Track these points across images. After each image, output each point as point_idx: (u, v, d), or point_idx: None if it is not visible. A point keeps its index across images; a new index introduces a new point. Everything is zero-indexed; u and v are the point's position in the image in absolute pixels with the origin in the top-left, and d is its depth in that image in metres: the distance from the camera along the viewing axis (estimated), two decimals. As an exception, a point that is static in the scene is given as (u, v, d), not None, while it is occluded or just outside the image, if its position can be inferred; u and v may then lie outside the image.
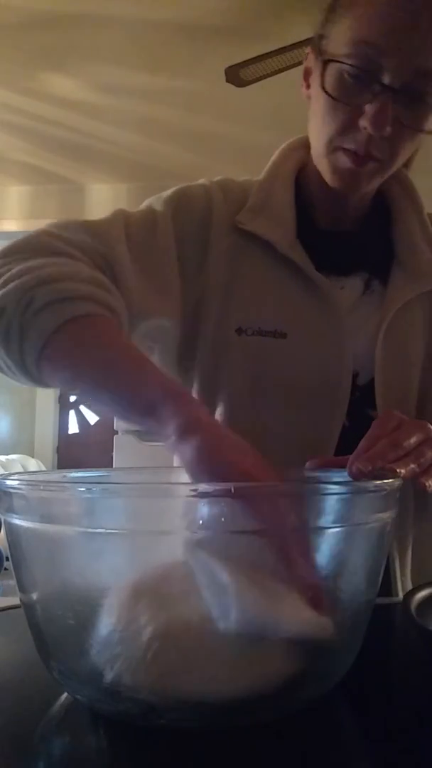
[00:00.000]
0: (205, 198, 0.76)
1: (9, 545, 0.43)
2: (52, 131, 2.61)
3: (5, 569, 3.33)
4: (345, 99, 0.64)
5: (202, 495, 0.37)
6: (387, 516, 0.42)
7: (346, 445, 0.70)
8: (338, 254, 0.76)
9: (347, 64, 0.62)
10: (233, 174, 0.83)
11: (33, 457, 5.35)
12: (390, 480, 0.42)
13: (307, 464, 0.59)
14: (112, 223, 0.69)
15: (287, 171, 0.78)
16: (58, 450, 5.23)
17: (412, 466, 0.51)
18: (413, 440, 0.53)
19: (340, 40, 0.64)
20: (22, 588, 0.42)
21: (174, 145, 2.61)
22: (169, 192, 0.76)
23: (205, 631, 0.37)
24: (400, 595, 0.73)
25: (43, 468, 5.00)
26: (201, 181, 0.79)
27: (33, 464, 5.07)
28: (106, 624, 0.38)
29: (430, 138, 0.68)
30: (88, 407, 5.23)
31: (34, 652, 0.42)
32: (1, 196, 3.08)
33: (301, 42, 1.90)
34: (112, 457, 2.95)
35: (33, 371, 0.55)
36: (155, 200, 0.75)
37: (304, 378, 0.73)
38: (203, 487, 0.38)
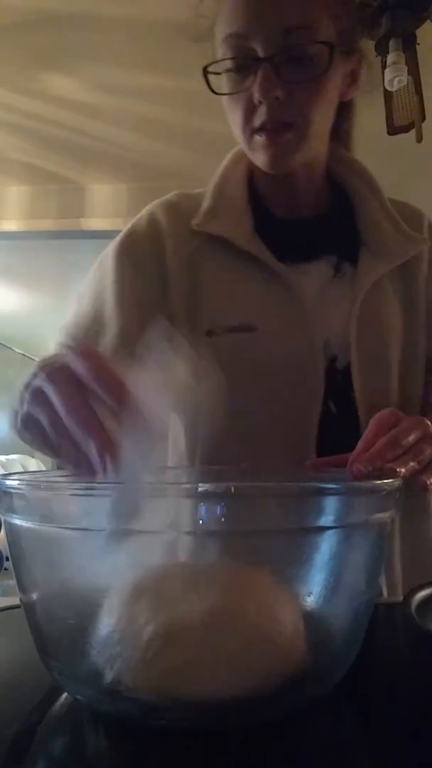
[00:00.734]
0: (149, 226, 0.79)
1: (9, 545, 0.42)
2: (52, 131, 2.61)
3: (5, 569, 3.32)
4: (236, 89, 0.68)
5: (203, 495, 0.37)
6: (387, 516, 0.42)
7: (334, 432, 0.72)
8: (298, 241, 0.78)
9: (226, 59, 0.68)
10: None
11: (33, 457, 5.35)
12: (390, 480, 0.42)
13: (307, 463, 0.59)
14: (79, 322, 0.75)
15: (239, 172, 0.81)
16: (58, 450, 5.21)
17: (412, 464, 0.51)
18: (411, 438, 0.53)
19: (218, 48, 0.70)
20: (22, 588, 0.42)
21: (174, 145, 2.61)
22: (117, 238, 0.80)
23: (205, 631, 0.37)
24: (385, 593, 0.73)
25: (43, 468, 4.99)
26: (147, 207, 0.82)
27: (33, 464, 5.07)
28: (106, 624, 0.38)
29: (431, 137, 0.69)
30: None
31: (34, 652, 0.42)
32: (1, 196, 3.08)
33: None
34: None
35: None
36: (104, 256, 0.79)
37: (277, 368, 0.73)
38: (203, 487, 0.38)
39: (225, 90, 0.70)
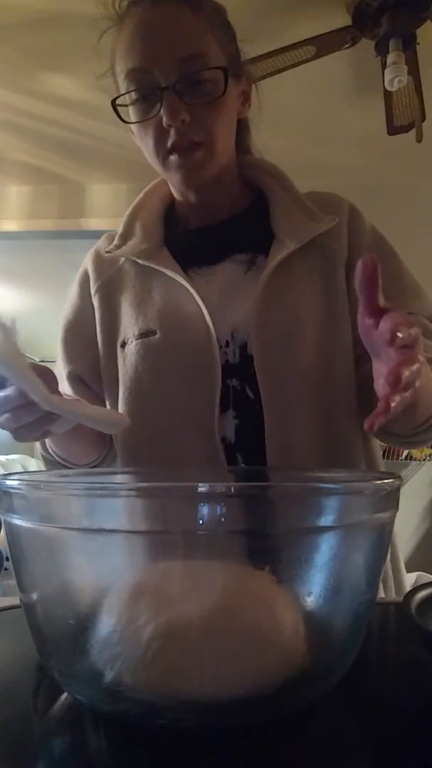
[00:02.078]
0: (84, 268, 0.92)
1: (9, 545, 0.43)
2: (52, 131, 2.61)
3: (5, 569, 3.32)
4: (145, 117, 0.75)
5: (203, 495, 0.37)
6: (387, 516, 0.42)
7: (254, 420, 0.76)
8: (206, 245, 0.84)
9: (129, 92, 0.74)
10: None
11: (33, 457, 5.34)
12: (390, 480, 0.42)
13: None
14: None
15: (154, 200, 0.90)
16: (59, 450, 5.22)
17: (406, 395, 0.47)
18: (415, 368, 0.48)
19: (121, 83, 0.76)
20: (22, 588, 0.42)
21: (174, 145, 2.62)
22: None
23: (205, 631, 0.37)
24: (394, 594, 0.74)
25: (43, 468, 4.99)
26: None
27: (33, 464, 5.06)
28: (106, 624, 0.38)
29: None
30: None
31: (34, 652, 0.42)
32: (1, 196, 3.08)
33: (301, 42, 1.90)
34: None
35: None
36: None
37: (177, 367, 0.79)
38: (203, 487, 0.38)
39: (134, 119, 0.76)
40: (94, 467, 0.88)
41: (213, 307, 0.78)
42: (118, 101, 0.76)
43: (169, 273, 0.81)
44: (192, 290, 0.79)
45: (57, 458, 0.85)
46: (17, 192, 3.09)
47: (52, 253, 3.54)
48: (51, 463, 0.87)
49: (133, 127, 0.78)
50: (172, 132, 0.73)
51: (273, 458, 0.74)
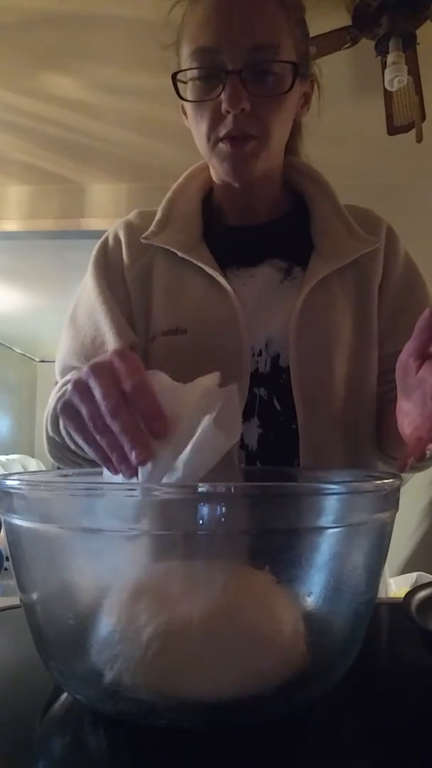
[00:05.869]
0: (115, 243, 0.86)
1: (9, 545, 0.42)
2: (52, 131, 2.61)
3: (5, 569, 3.32)
4: (203, 98, 0.72)
5: (203, 495, 0.37)
6: (387, 516, 0.42)
7: (278, 431, 0.75)
8: (246, 247, 0.82)
9: (192, 68, 0.71)
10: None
11: (33, 457, 5.36)
12: (390, 480, 0.42)
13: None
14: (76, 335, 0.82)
15: (193, 186, 0.86)
16: (58, 450, 5.22)
17: None
18: None
19: (184, 59, 0.73)
20: (22, 588, 0.42)
21: (174, 145, 2.61)
22: (92, 255, 0.87)
23: (205, 631, 0.37)
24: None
25: (43, 468, 4.99)
26: (113, 226, 0.89)
27: (33, 464, 5.08)
28: (106, 624, 0.38)
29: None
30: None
31: (34, 652, 0.42)
32: (1, 196, 3.08)
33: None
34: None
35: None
36: (87, 272, 0.86)
37: (203, 370, 0.75)
38: (203, 487, 0.38)
39: (191, 98, 0.73)
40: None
41: (248, 313, 0.77)
42: (179, 76, 0.73)
43: (208, 270, 0.78)
44: (230, 291, 0.77)
45: (71, 441, 0.73)
46: (17, 192, 3.09)
47: (52, 253, 3.55)
48: (59, 448, 0.76)
49: (187, 107, 0.75)
50: (229, 119, 0.71)
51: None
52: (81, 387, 0.47)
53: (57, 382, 0.79)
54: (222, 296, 0.77)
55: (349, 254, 0.79)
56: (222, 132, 0.72)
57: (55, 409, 0.72)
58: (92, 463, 0.75)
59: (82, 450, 0.72)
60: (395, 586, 2.16)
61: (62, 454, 0.77)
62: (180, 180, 0.87)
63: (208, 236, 0.82)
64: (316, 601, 0.40)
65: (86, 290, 0.84)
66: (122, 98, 2.39)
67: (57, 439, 0.75)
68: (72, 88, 2.33)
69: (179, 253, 0.79)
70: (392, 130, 2.21)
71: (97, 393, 0.45)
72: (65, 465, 0.78)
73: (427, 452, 0.51)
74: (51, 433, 0.76)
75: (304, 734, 0.38)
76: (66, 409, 0.48)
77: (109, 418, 0.44)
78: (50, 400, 0.76)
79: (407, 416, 0.56)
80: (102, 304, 0.80)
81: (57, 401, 0.68)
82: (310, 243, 0.81)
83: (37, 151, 2.79)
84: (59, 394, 0.69)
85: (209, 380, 0.48)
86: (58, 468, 0.86)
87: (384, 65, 1.91)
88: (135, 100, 2.40)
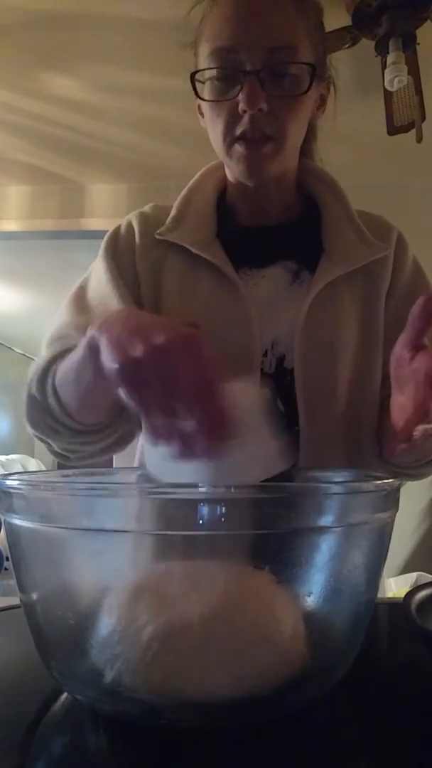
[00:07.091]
0: (127, 231, 0.85)
1: (9, 545, 0.42)
2: (52, 131, 2.61)
3: (5, 569, 3.32)
4: (221, 97, 0.72)
5: (203, 496, 0.37)
6: (387, 516, 0.42)
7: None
8: (258, 247, 0.82)
9: (211, 68, 0.72)
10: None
11: (33, 457, 5.35)
12: (390, 480, 0.42)
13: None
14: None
15: (209, 184, 0.86)
16: (58, 450, 5.21)
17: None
18: None
19: (203, 58, 0.74)
20: (22, 588, 0.42)
21: (174, 145, 2.61)
22: (103, 241, 0.86)
23: (205, 631, 0.37)
24: None
25: (43, 468, 4.99)
26: (127, 216, 0.88)
27: (33, 464, 5.07)
28: (106, 624, 0.38)
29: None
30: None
31: (34, 652, 0.42)
32: (1, 196, 3.08)
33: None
34: (112, 457, 2.95)
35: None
36: (98, 258, 0.85)
37: None
38: (204, 487, 0.38)
39: (208, 97, 0.74)
40: (94, 431, 0.76)
41: (257, 313, 0.77)
42: (197, 75, 0.73)
43: (223, 268, 0.78)
44: (243, 290, 0.77)
45: (56, 404, 0.69)
46: (17, 192, 3.09)
47: (52, 253, 3.54)
48: (39, 409, 0.71)
49: (204, 106, 0.76)
50: (245, 119, 0.71)
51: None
52: (155, 354, 0.44)
53: (47, 346, 0.76)
54: (234, 295, 0.78)
55: (359, 260, 0.79)
56: (238, 131, 0.72)
57: (45, 367, 0.69)
58: (71, 432, 0.71)
59: (65, 414, 0.69)
60: (395, 586, 2.16)
61: (41, 417, 0.71)
62: (196, 177, 0.87)
63: (222, 235, 0.83)
64: (316, 601, 0.40)
65: (97, 274, 0.83)
66: (122, 98, 2.39)
67: (39, 398, 0.70)
68: (72, 88, 2.33)
69: (193, 250, 0.80)
70: (392, 130, 2.21)
71: (180, 371, 0.43)
72: (40, 430, 0.73)
73: (415, 433, 0.51)
74: (34, 392, 0.70)
75: (304, 734, 0.38)
76: (133, 371, 0.44)
77: (194, 398, 0.43)
78: (39, 359, 0.73)
79: (401, 409, 0.56)
80: (114, 289, 0.80)
81: (50, 360, 0.68)
82: (321, 247, 0.82)
83: (37, 151, 2.79)
84: (58, 351, 0.69)
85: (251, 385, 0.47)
86: (59, 468, 0.85)
87: (384, 65, 1.91)
88: (135, 100, 2.40)
